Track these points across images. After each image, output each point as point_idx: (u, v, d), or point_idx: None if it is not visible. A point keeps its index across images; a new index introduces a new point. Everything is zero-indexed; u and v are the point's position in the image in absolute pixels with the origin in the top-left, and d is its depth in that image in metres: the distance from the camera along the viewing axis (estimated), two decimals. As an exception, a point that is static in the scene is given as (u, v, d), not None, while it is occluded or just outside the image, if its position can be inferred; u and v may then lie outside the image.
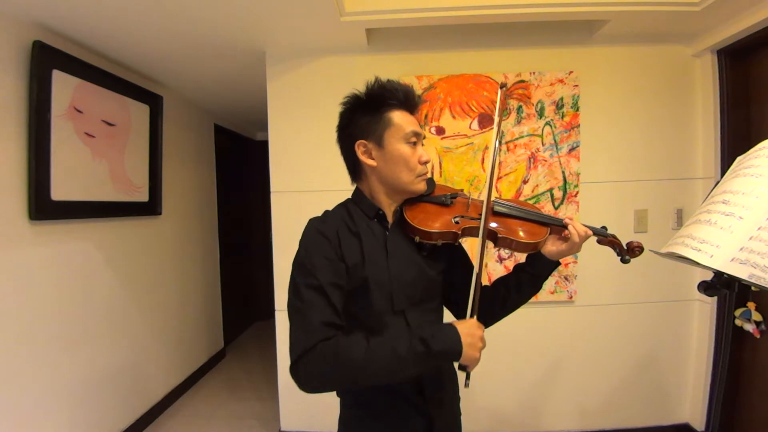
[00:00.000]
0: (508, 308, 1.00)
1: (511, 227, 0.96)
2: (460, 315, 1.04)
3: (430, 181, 0.98)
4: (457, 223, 0.92)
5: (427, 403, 0.90)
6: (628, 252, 0.98)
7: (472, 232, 0.93)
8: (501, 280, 1.01)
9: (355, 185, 0.99)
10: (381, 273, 0.88)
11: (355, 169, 0.96)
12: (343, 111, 0.94)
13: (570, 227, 0.93)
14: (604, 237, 0.99)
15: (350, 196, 0.99)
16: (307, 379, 0.77)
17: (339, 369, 0.76)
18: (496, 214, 0.97)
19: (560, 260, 0.97)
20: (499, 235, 0.94)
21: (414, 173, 0.90)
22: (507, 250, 1.98)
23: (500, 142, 0.91)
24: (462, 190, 1.02)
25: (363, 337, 0.79)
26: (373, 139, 0.90)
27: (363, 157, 0.91)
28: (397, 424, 0.90)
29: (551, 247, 0.95)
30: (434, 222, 0.91)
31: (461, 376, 0.86)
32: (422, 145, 0.94)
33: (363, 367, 0.75)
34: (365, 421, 0.92)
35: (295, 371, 0.78)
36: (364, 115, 0.90)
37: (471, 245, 1.09)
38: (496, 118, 0.96)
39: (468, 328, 0.80)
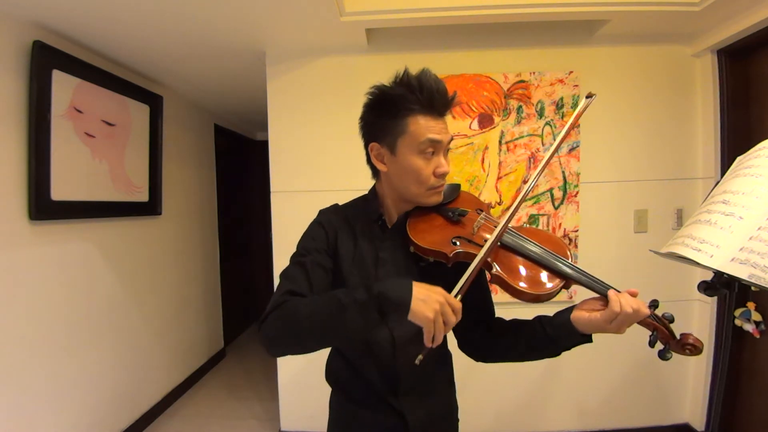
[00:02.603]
0: (511, 358, 0.88)
1: (512, 267, 0.79)
2: (455, 334, 0.97)
3: (454, 188, 0.90)
4: (454, 244, 0.80)
5: (400, 402, 0.87)
6: (678, 347, 0.73)
7: (465, 258, 0.79)
8: (515, 326, 0.88)
9: (374, 182, 0.96)
10: (366, 277, 0.86)
11: (372, 166, 0.92)
12: (366, 103, 0.87)
13: (614, 301, 0.71)
14: (654, 321, 0.75)
15: (366, 193, 0.98)
16: (267, 336, 0.74)
17: (287, 322, 0.73)
18: (502, 246, 0.82)
19: (592, 335, 0.78)
20: (494, 272, 0.78)
21: (424, 187, 0.83)
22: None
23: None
24: (488, 206, 0.91)
25: (318, 294, 0.78)
26: (387, 144, 0.84)
27: (375, 161, 0.87)
28: (371, 420, 0.90)
29: (584, 312, 0.76)
30: (431, 237, 0.82)
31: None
32: (444, 152, 0.84)
33: (307, 316, 0.71)
34: (347, 407, 0.93)
35: (260, 330, 0.76)
36: (382, 116, 0.84)
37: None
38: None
39: (427, 288, 0.70)
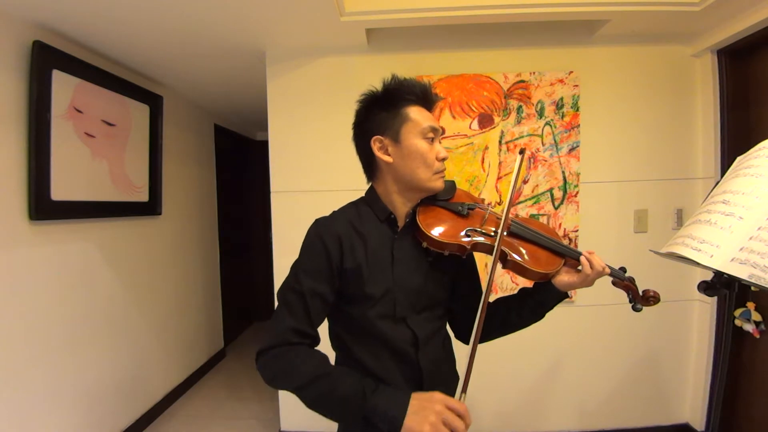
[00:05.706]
0: (505, 331, 0.99)
1: (524, 252, 0.90)
2: (453, 323, 1.04)
3: (451, 185, 0.95)
4: (468, 236, 0.88)
5: None
6: (642, 300, 0.92)
7: (481, 248, 0.88)
8: (503, 301, 0.99)
9: (369, 184, 0.97)
10: (384, 279, 0.87)
11: (370, 166, 0.94)
12: (360, 108, 0.93)
13: (583, 259, 0.89)
14: (620, 280, 0.94)
15: (363, 195, 0.97)
16: (263, 372, 0.83)
17: (285, 377, 0.81)
18: (511, 235, 0.92)
19: (569, 292, 0.94)
20: (509, 258, 0.88)
21: (431, 170, 0.88)
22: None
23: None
24: (483, 200, 0.97)
25: (321, 361, 0.82)
26: (390, 135, 0.88)
27: (379, 153, 0.89)
28: None
29: (563, 276, 0.91)
30: (445, 231, 0.87)
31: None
32: (440, 141, 0.92)
33: (303, 387, 0.79)
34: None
35: (257, 360, 0.84)
36: (380, 111, 0.89)
37: (479, 257, 1.05)
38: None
39: (423, 399, 0.75)
